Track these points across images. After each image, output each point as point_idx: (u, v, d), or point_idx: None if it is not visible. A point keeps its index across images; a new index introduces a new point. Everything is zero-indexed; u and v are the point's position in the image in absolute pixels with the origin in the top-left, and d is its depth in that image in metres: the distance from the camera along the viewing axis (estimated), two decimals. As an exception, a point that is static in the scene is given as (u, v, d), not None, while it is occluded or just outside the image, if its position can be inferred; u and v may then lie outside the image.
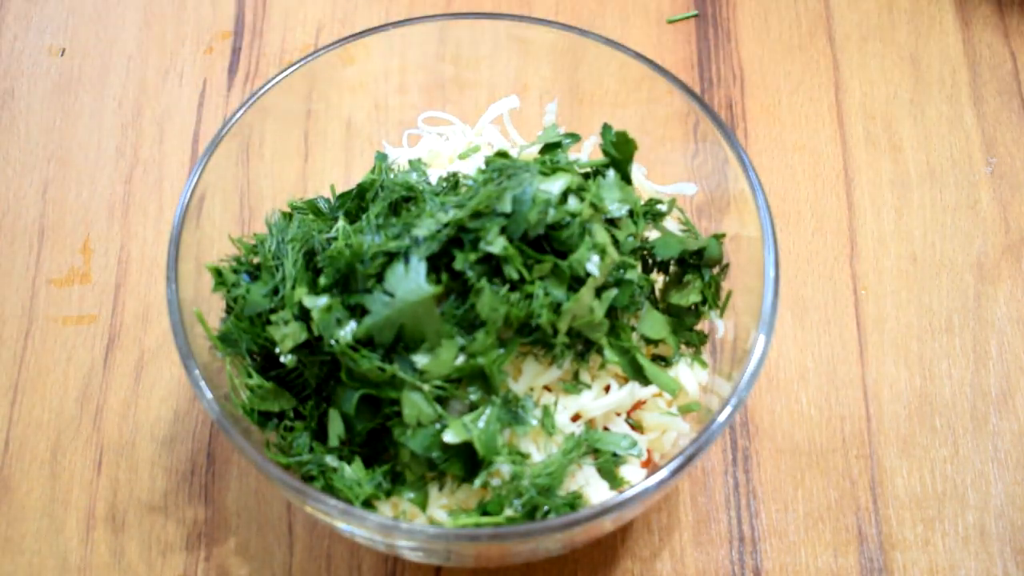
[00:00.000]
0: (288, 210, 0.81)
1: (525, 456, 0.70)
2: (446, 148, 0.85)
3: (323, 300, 0.69)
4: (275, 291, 0.72)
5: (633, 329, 0.75)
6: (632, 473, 0.74)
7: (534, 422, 0.71)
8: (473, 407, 0.70)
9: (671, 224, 0.81)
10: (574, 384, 0.73)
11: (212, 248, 0.78)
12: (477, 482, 0.69)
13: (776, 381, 0.89)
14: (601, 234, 0.71)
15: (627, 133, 0.77)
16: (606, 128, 0.78)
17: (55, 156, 0.99)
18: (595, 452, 0.73)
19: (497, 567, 0.83)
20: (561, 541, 0.73)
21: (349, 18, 1.05)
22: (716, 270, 0.79)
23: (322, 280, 0.70)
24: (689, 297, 0.78)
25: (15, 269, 0.94)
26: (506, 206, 0.69)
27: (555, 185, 0.71)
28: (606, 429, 0.74)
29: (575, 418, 0.73)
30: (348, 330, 0.68)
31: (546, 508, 0.70)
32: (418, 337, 0.69)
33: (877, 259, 0.93)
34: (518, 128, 0.86)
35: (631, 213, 0.75)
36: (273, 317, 0.71)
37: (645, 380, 0.73)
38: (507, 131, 0.86)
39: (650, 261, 0.79)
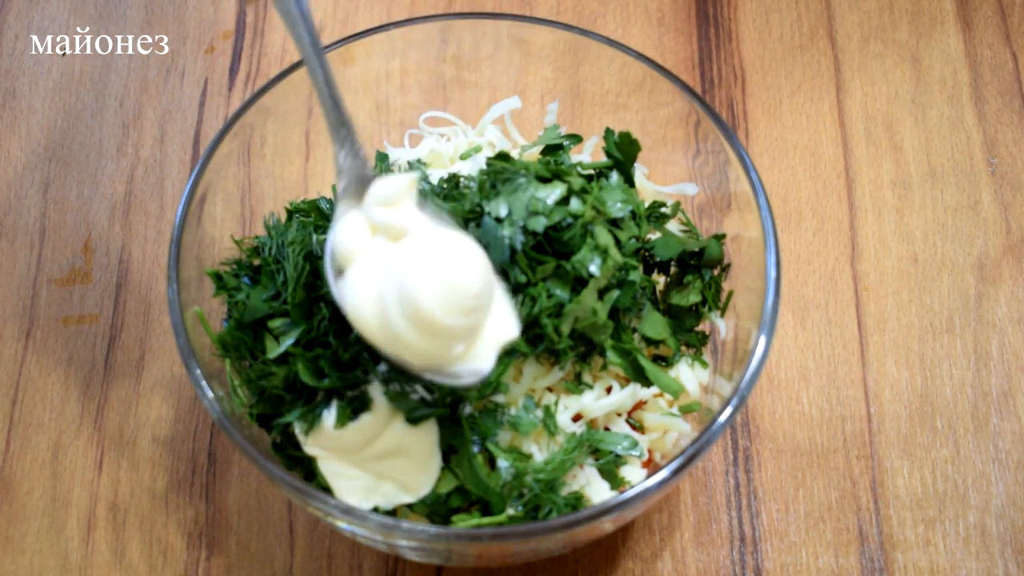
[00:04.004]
0: (288, 211, 0.81)
1: (527, 456, 0.71)
2: (447, 148, 0.85)
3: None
4: (275, 295, 0.72)
5: (634, 330, 0.75)
6: (633, 473, 0.74)
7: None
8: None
9: (672, 225, 0.81)
10: (576, 384, 0.73)
11: (213, 248, 0.78)
12: None
13: (777, 381, 0.89)
14: (603, 236, 0.71)
15: (631, 134, 0.77)
16: (609, 132, 0.78)
17: (56, 155, 0.99)
18: (596, 452, 0.73)
19: (498, 567, 0.83)
20: (562, 541, 0.73)
21: (350, 18, 1.05)
22: (717, 271, 0.79)
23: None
24: (689, 298, 0.78)
25: (16, 269, 0.94)
26: (501, 213, 0.70)
27: (552, 194, 0.71)
28: (607, 429, 0.74)
29: (576, 418, 0.73)
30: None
31: (547, 508, 0.70)
32: None
33: (878, 259, 0.93)
34: (519, 128, 0.86)
35: (634, 215, 0.75)
36: (271, 323, 0.71)
37: (647, 381, 0.73)
38: (508, 131, 0.86)
39: (651, 262, 0.79)
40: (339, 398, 0.68)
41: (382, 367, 0.69)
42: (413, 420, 0.68)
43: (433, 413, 0.68)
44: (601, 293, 0.71)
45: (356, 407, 0.67)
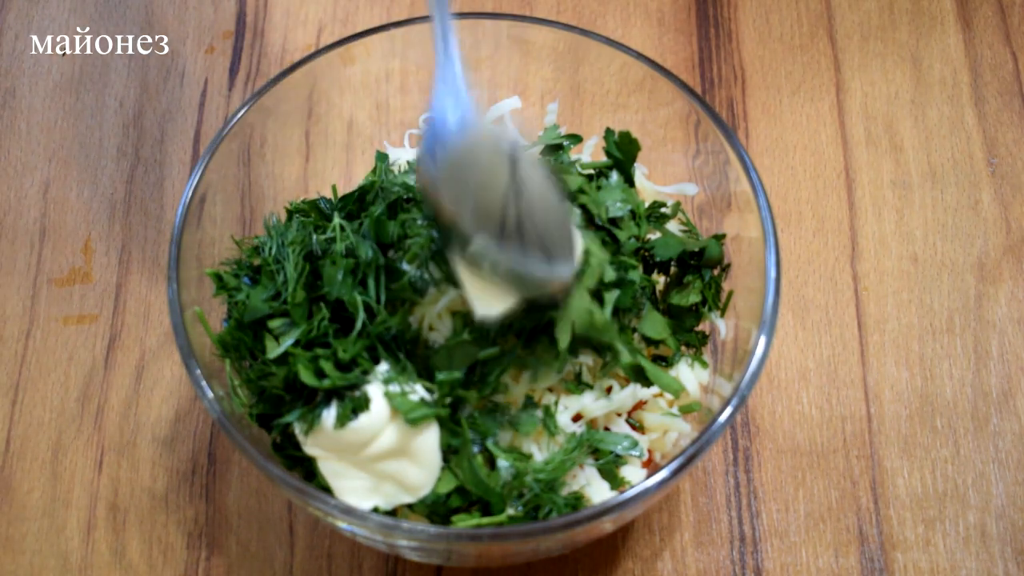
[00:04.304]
0: (288, 211, 0.81)
1: (527, 456, 0.71)
2: (447, 148, 0.85)
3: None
4: (275, 295, 0.72)
5: (634, 330, 0.75)
6: (633, 473, 0.74)
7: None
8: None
9: (672, 225, 0.81)
10: (576, 384, 0.73)
11: (213, 248, 0.78)
12: None
13: (777, 381, 0.89)
14: (585, 237, 0.71)
15: (630, 133, 0.77)
16: (609, 132, 0.78)
17: (56, 156, 0.99)
18: (596, 452, 0.73)
19: (498, 567, 0.83)
20: (562, 541, 0.73)
21: (350, 18, 1.05)
22: (717, 271, 0.79)
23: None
24: (689, 298, 0.78)
25: (16, 269, 0.94)
26: None
27: None
28: (607, 429, 0.74)
29: (576, 418, 0.73)
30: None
31: (547, 508, 0.70)
32: None
33: (878, 259, 0.93)
34: (519, 128, 0.86)
35: (633, 214, 0.75)
36: (271, 323, 0.71)
37: (647, 381, 0.73)
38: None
39: (651, 262, 0.79)
40: (339, 398, 0.68)
41: (382, 367, 0.69)
42: (413, 420, 0.68)
43: (433, 413, 0.68)
44: (598, 294, 0.71)
45: (356, 407, 0.67)
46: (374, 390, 0.68)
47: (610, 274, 0.71)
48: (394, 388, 0.68)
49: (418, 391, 0.68)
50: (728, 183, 0.78)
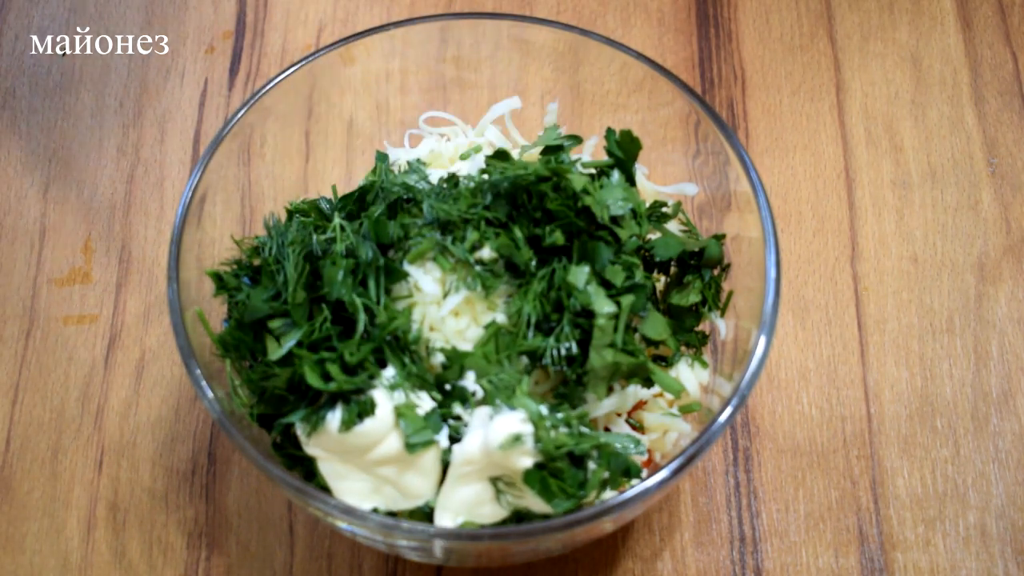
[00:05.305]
0: (288, 211, 0.81)
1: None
2: (447, 148, 0.85)
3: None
4: (276, 295, 0.72)
5: (634, 330, 0.74)
6: (633, 473, 0.74)
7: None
8: None
9: (672, 225, 0.81)
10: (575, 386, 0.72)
11: (213, 248, 0.78)
12: None
13: (777, 381, 0.89)
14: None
15: (632, 132, 0.77)
16: (610, 131, 0.78)
17: (56, 156, 0.99)
18: (596, 452, 0.73)
19: (498, 567, 0.83)
20: (562, 541, 0.73)
21: (351, 18, 1.05)
22: (717, 271, 0.79)
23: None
24: (689, 298, 0.78)
25: (16, 269, 0.94)
26: None
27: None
28: (607, 429, 0.74)
29: (577, 418, 0.73)
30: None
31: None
32: None
33: (878, 259, 0.93)
34: (520, 128, 0.86)
35: (634, 213, 0.75)
36: (271, 324, 0.71)
37: (648, 381, 0.73)
38: (508, 131, 0.86)
39: (651, 261, 0.79)
40: (344, 401, 0.68)
41: (388, 372, 0.68)
42: (411, 447, 0.68)
43: (433, 439, 0.68)
44: (616, 295, 0.71)
45: (362, 412, 0.67)
46: (380, 395, 0.68)
47: (619, 277, 0.71)
48: (399, 395, 0.68)
49: (424, 400, 0.68)
50: (728, 183, 0.78)
